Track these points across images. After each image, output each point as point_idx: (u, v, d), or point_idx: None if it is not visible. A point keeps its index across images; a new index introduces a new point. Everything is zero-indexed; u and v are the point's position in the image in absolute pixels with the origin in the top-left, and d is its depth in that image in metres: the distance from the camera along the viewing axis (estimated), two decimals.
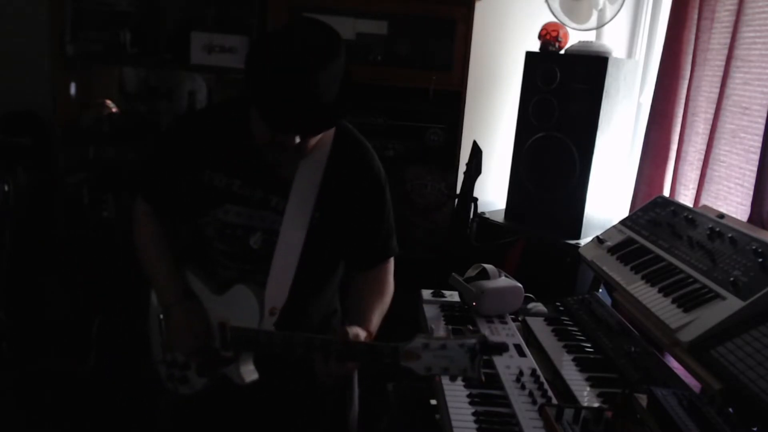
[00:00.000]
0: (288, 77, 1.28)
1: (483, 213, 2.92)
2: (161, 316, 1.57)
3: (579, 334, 1.79)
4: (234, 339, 1.44)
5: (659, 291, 1.68)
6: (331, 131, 1.50)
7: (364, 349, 1.33)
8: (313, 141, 1.41)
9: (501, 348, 1.26)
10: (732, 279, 1.52)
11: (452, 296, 1.97)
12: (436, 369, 1.24)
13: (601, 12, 2.68)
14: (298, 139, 1.35)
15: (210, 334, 1.47)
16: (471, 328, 1.26)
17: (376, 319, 1.49)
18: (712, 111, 2.31)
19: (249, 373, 1.48)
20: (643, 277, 1.78)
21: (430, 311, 1.89)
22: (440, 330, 1.76)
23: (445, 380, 1.50)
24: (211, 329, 1.48)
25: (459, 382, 1.48)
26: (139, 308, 1.67)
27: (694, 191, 2.39)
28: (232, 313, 1.46)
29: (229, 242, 1.50)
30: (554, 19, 2.73)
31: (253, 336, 1.43)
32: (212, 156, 1.48)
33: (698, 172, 2.38)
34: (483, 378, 1.24)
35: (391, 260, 1.63)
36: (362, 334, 1.39)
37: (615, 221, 2.21)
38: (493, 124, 3.27)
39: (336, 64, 1.32)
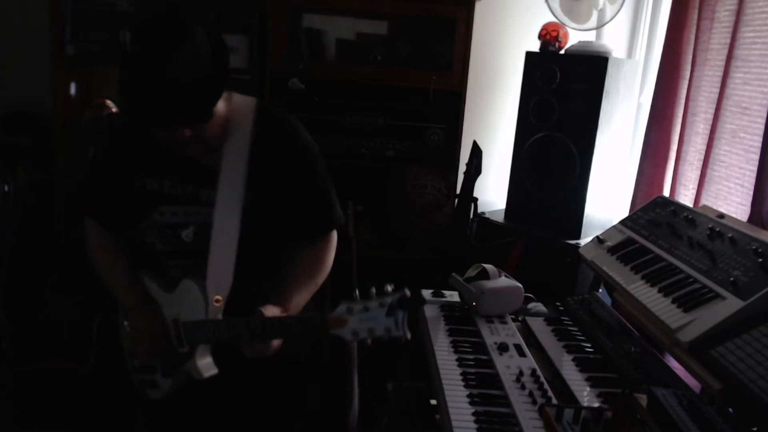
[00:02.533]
0: (134, 71, 1.29)
1: (483, 213, 2.92)
2: (125, 323, 1.60)
3: (579, 334, 1.79)
4: (186, 333, 1.47)
5: (659, 291, 1.68)
6: (249, 112, 1.51)
7: (293, 323, 1.37)
8: (214, 129, 1.41)
9: (418, 301, 1.28)
10: (732, 279, 1.52)
11: (452, 296, 1.97)
12: (363, 332, 1.28)
13: (601, 12, 2.68)
14: (188, 132, 1.36)
15: (167, 333, 1.50)
16: (392, 286, 1.27)
17: (298, 298, 1.51)
18: (712, 111, 2.30)
19: (207, 367, 1.49)
20: (643, 277, 1.78)
21: (430, 311, 1.89)
22: (440, 331, 1.76)
23: (445, 379, 1.50)
24: (167, 329, 1.50)
25: (458, 381, 1.49)
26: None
27: (694, 191, 2.39)
28: (183, 308, 1.49)
29: (170, 242, 1.53)
30: (554, 19, 2.73)
31: (200, 327, 1.46)
32: (140, 161, 1.51)
33: (698, 172, 2.38)
34: (408, 335, 1.27)
35: (333, 235, 1.63)
36: (276, 311, 1.43)
37: (615, 221, 2.21)
38: (493, 124, 3.26)
39: (185, 53, 1.27)
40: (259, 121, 1.51)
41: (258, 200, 1.50)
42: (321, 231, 1.60)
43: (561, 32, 2.71)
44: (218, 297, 1.45)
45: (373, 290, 1.28)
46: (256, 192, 1.49)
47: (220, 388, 1.58)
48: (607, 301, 2.02)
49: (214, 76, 1.34)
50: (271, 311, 1.42)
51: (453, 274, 1.95)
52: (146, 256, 1.58)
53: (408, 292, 1.27)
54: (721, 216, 1.84)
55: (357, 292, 1.29)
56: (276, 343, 1.45)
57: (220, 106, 1.42)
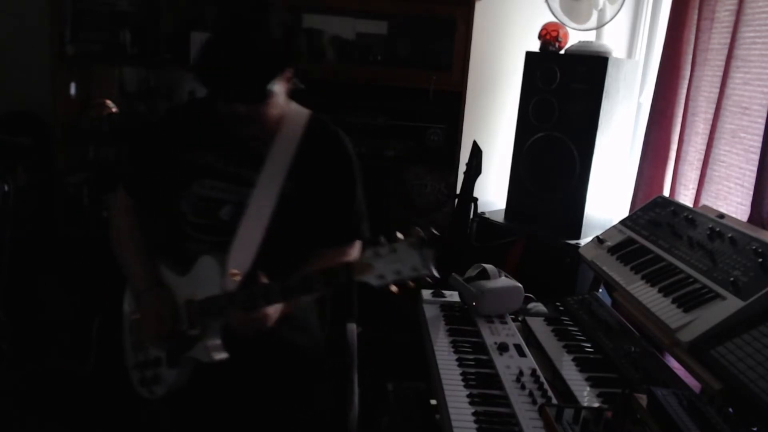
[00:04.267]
0: (210, 44, 1.41)
1: (483, 213, 2.92)
2: (132, 318, 1.63)
3: (579, 334, 1.79)
4: (201, 310, 1.49)
5: (659, 291, 1.68)
6: (304, 116, 1.59)
7: (319, 278, 1.36)
8: (271, 111, 1.48)
9: (436, 240, 1.25)
10: (732, 279, 1.52)
11: (452, 296, 1.97)
12: (389, 275, 1.24)
13: (601, 12, 2.68)
14: (244, 109, 1.42)
15: (178, 318, 1.52)
16: (419, 229, 1.26)
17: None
18: (712, 111, 2.30)
19: (216, 350, 1.50)
20: (643, 277, 1.78)
21: (430, 311, 1.89)
22: (440, 331, 1.77)
23: (445, 379, 1.50)
24: (178, 313, 1.53)
25: (458, 381, 1.49)
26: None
27: (694, 191, 2.39)
28: (198, 286, 1.51)
29: (202, 215, 1.58)
30: (554, 19, 2.73)
31: (215, 301, 1.47)
32: (190, 137, 1.58)
33: (698, 172, 2.38)
34: (435, 273, 1.24)
35: (353, 247, 1.64)
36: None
37: (615, 221, 2.21)
38: (493, 124, 3.26)
39: (257, 31, 1.40)
40: (311, 125, 1.60)
41: (296, 192, 1.55)
42: (345, 239, 1.63)
43: (561, 32, 2.71)
44: (236, 271, 1.47)
45: (397, 233, 1.27)
46: (295, 183, 1.55)
47: (224, 385, 1.59)
48: (607, 301, 2.02)
49: (277, 56, 1.43)
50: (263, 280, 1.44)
51: (453, 274, 1.95)
52: (173, 228, 1.62)
53: (437, 232, 1.26)
54: (721, 216, 1.84)
55: (383, 237, 1.27)
56: (270, 317, 1.45)
57: (279, 96, 1.49)
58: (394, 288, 1.26)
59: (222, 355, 1.50)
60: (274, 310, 1.46)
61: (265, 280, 1.44)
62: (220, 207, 1.56)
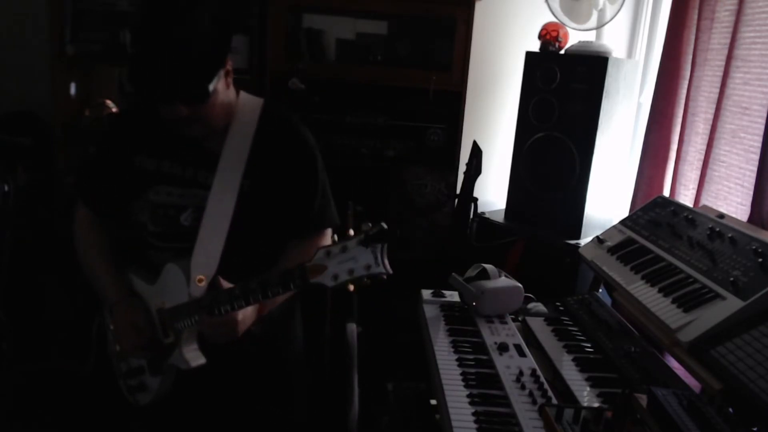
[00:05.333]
0: (139, 40, 1.34)
1: (483, 213, 2.92)
2: (111, 327, 1.60)
3: (579, 334, 1.79)
4: (170, 320, 1.46)
5: (659, 291, 1.68)
6: (256, 107, 1.53)
7: (275, 280, 1.33)
8: (214, 108, 1.41)
9: (394, 234, 1.20)
10: (732, 279, 1.52)
11: (452, 296, 1.97)
12: (343, 275, 1.21)
13: (601, 12, 2.68)
14: (185, 110, 1.36)
15: (153, 326, 1.50)
16: (370, 224, 1.21)
17: None
18: (712, 111, 2.30)
19: (194, 356, 1.47)
20: (643, 277, 1.78)
21: (430, 311, 1.89)
22: (440, 331, 1.77)
23: (445, 379, 1.50)
24: (153, 321, 1.50)
25: (458, 381, 1.49)
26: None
27: (694, 191, 2.39)
28: (167, 294, 1.48)
29: (162, 223, 1.53)
30: (554, 19, 2.73)
31: (183, 309, 1.45)
32: (141, 142, 1.53)
33: (698, 172, 2.38)
34: (389, 269, 1.20)
35: (324, 235, 1.61)
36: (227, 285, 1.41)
37: (615, 221, 2.21)
38: (493, 124, 3.27)
39: (187, 24, 1.32)
40: (264, 116, 1.53)
41: (254, 189, 1.50)
42: (313, 228, 1.60)
43: (561, 32, 2.71)
44: (201, 276, 1.44)
45: (351, 232, 1.24)
46: (253, 181, 1.50)
47: (209, 390, 1.57)
48: (607, 301, 2.02)
49: (212, 53, 1.36)
50: (223, 284, 1.41)
51: (453, 274, 1.95)
52: (135, 239, 1.58)
53: (385, 225, 1.21)
54: (721, 216, 1.84)
55: (335, 236, 1.26)
56: (240, 322, 1.42)
57: (221, 91, 1.42)
58: (350, 287, 1.24)
59: (199, 361, 1.47)
60: (243, 315, 1.42)
61: (227, 284, 1.41)
62: (179, 213, 1.51)
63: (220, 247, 1.46)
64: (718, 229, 1.73)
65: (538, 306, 1.95)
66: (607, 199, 2.81)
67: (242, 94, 1.56)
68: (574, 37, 2.76)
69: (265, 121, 1.52)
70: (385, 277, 1.22)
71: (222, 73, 1.40)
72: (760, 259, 1.52)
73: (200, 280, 1.44)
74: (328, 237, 1.62)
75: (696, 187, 2.38)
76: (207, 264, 1.45)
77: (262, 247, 1.58)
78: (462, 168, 2.85)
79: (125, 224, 1.59)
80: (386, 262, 1.20)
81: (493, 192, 3.22)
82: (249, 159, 1.49)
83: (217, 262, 1.45)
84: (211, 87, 1.36)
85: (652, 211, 2.05)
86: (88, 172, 1.66)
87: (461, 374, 1.52)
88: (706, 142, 2.34)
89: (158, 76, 1.32)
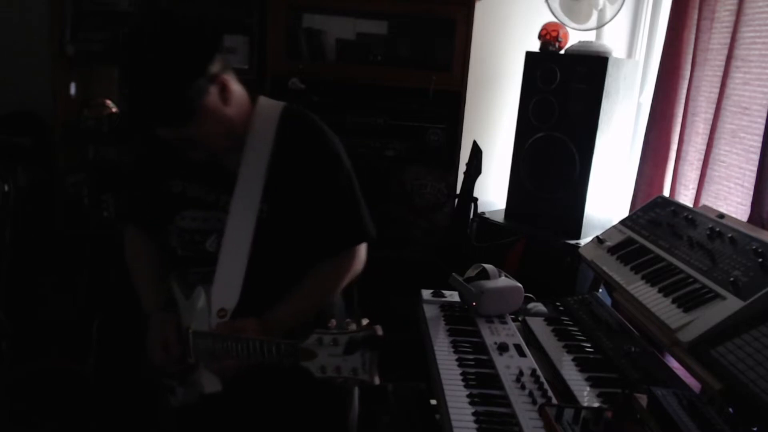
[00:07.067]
0: (121, 70, 1.34)
1: (483, 213, 2.92)
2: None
3: (579, 334, 1.79)
4: (193, 344, 1.41)
5: (659, 291, 1.68)
6: (274, 115, 1.45)
7: (270, 348, 1.25)
8: (210, 126, 1.35)
9: (377, 341, 1.14)
10: (732, 279, 1.52)
11: (452, 296, 1.97)
12: (330, 370, 1.15)
13: (601, 12, 2.68)
14: (168, 133, 1.34)
15: (184, 341, 1.43)
16: (366, 321, 1.16)
17: (286, 311, 1.44)
18: (712, 111, 2.31)
19: (210, 382, 1.42)
20: (643, 277, 1.78)
21: (430, 311, 1.88)
22: (440, 331, 1.76)
23: (445, 379, 1.50)
24: (184, 337, 1.44)
25: (458, 381, 1.49)
26: (140, 309, 1.68)
27: (694, 191, 2.39)
28: (194, 317, 1.43)
29: (189, 248, 1.49)
30: (554, 19, 2.73)
31: (203, 339, 1.39)
32: (169, 164, 1.49)
33: (698, 172, 2.38)
34: (376, 380, 1.14)
35: (358, 250, 1.53)
36: (253, 325, 1.36)
37: (615, 221, 2.21)
38: (493, 124, 3.27)
39: (160, 56, 1.29)
40: (282, 124, 1.45)
41: (277, 210, 1.43)
42: (344, 245, 1.51)
43: (561, 32, 2.72)
44: (223, 308, 1.39)
45: (347, 321, 1.18)
46: (275, 200, 1.43)
47: (226, 412, 1.54)
48: (607, 301, 2.02)
49: (181, 73, 1.30)
50: (250, 325, 1.36)
51: (453, 274, 1.94)
52: (172, 260, 1.55)
53: (379, 331, 1.15)
54: (721, 216, 1.84)
55: (333, 321, 1.20)
56: (232, 363, 1.36)
57: (214, 108, 1.36)
58: (339, 380, 1.17)
59: (215, 388, 1.41)
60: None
61: (251, 326, 1.35)
62: (205, 238, 1.46)
63: (241, 275, 1.40)
64: (718, 229, 1.73)
65: (538, 306, 1.95)
66: (607, 199, 2.81)
67: (261, 100, 1.49)
68: (574, 37, 2.76)
69: (282, 131, 1.44)
70: (371, 386, 1.16)
71: (213, 89, 1.34)
72: (760, 259, 1.52)
73: (222, 314, 1.38)
74: (362, 252, 1.54)
75: (696, 187, 2.38)
76: (229, 294, 1.39)
77: (289, 270, 1.49)
78: (462, 168, 2.85)
79: (165, 246, 1.57)
80: (374, 370, 1.14)
81: (493, 192, 3.22)
82: (267, 177, 1.41)
83: (238, 292, 1.40)
84: (190, 106, 1.31)
85: (652, 211, 2.04)
86: (127, 191, 1.65)
87: (461, 374, 1.52)
88: (706, 142, 2.34)
89: (133, 99, 1.31)
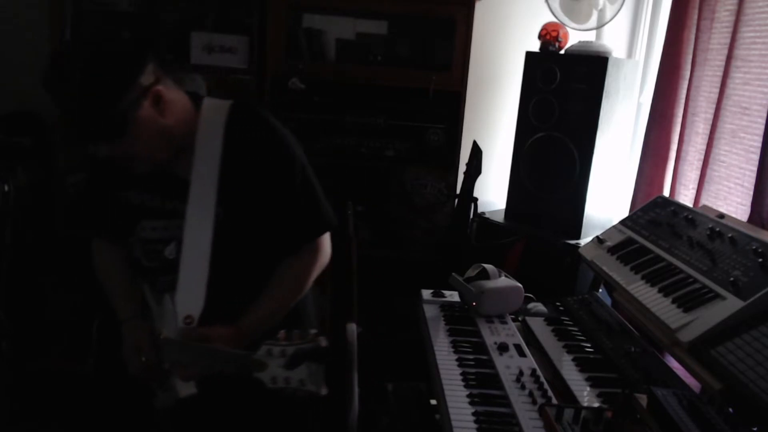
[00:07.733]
0: (49, 92, 1.32)
1: (483, 213, 2.92)
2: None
3: (579, 334, 1.79)
4: (164, 350, 1.40)
5: (659, 291, 1.67)
6: (221, 117, 1.44)
7: (228, 357, 1.26)
8: (148, 142, 1.36)
9: (320, 353, 1.15)
10: (732, 279, 1.52)
11: (452, 296, 1.97)
12: (280, 381, 1.17)
13: (601, 12, 2.68)
14: (105, 149, 1.35)
15: (158, 347, 1.43)
16: (315, 331, 1.18)
17: (257, 315, 1.44)
18: (712, 111, 2.31)
19: (184, 386, 1.42)
20: (643, 277, 1.78)
21: (430, 311, 1.89)
22: (440, 331, 1.76)
23: (445, 379, 1.50)
24: (158, 342, 1.43)
25: (458, 381, 1.49)
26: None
27: (694, 191, 2.39)
28: (164, 324, 1.43)
29: (153, 258, 1.49)
30: (554, 19, 2.73)
31: (171, 346, 1.38)
32: (123, 177, 1.48)
33: (698, 172, 2.38)
34: (323, 391, 1.16)
35: (322, 241, 1.53)
36: (223, 332, 1.36)
37: (615, 221, 2.21)
38: (493, 124, 3.27)
39: (85, 74, 1.29)
40: (230, 125, 1.43)
41: (233, 212, 1.43)
42: (306, 238, 1.51)
43: (561, 32, 2.71)
44: (189, 315, 1.38)
45: (296, 332, 1.19)
46: (230, 202, 1.42)
47: (203, 416, 1.54)
48: (607, 301, 2.03)
49: (104, 92, 1.30)
50: (218, 332, 1.36)
51: (453, 274, 1.95)
52: (139, 271, 1.55)
53: (324, 342, 1.16)
54: (721, 216, 1.84)
55: (283, 332, 1.20)
56: (194, 373, 1.38)
57: (150, 120, 1.35)
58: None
59: (190, 391, 1.41)
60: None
61: (216, 334, 1.35)
62: (165, 247, 1.46)
63: (203, 281, 1.39)
64: (718, 229, 1.73)
65: (538, 306, 1.95)
66: (607, 199, 2.81)
67: (206, 103, 1.47)
68: (574, 37, 2.76)
69: (231, 131, 1.42)
70: (319, 396, 1.17)
71: (145, 102, 1.34)
72: (760, 259, 1.52)
73: (189, 321, 1.37)
74: (325, 243, 1.54)
75: (696, 187, 2.38)
76: (193, 301, 1.38)
77: (253, 271, 1.49)
78: (462, 168, 2.85)
79: (130, 257, 1.57)
80: (321, 381, 1.16)
81: (493, 192, 3.22)
82: (220, 180, 1.40)
83: (202, 297, 1.38)
84: (122, 120, 1.31)
85: (652, 211, 2.04)
86: (86, 205, 1.64)
87: (461, 374, 1.52)
88: (706, 142, 2.34)
89: (66, 119, 1.33)
